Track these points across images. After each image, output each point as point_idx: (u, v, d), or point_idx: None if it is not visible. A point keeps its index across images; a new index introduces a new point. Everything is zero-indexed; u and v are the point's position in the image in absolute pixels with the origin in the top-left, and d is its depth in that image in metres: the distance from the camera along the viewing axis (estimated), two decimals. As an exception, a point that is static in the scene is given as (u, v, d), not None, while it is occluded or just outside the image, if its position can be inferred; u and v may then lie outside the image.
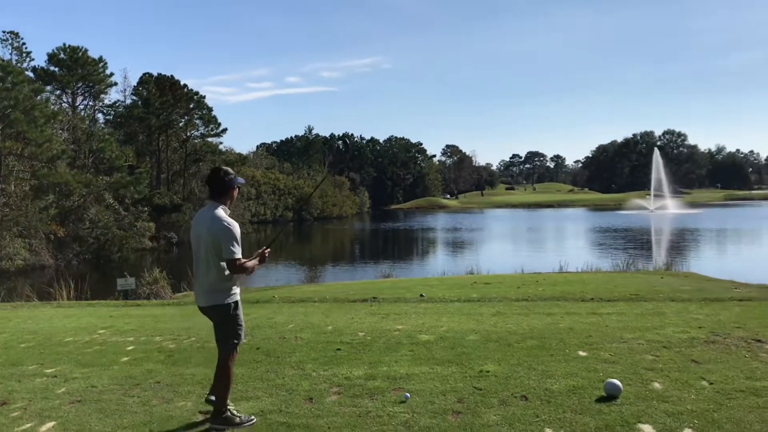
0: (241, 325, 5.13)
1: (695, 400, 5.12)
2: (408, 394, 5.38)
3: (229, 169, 5.13)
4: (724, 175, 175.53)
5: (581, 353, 6.70)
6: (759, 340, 7.10)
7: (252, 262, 5.01)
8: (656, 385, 5.54)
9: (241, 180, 5.17)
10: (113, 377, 6.40)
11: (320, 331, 8.23)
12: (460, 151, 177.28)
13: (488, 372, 6.05)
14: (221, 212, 4.99)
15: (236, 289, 5.10)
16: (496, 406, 5.13)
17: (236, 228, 4.94)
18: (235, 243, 4.88)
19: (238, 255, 4.89)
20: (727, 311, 9.21)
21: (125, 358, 7.26)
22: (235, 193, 5.16)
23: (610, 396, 5.22)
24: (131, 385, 6.11)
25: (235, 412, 5.04)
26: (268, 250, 5.19)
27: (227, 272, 4.93)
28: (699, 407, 4.97)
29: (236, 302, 5.10)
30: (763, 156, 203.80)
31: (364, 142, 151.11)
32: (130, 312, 11.48)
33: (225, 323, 5.07)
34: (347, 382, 5.87)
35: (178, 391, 5.85)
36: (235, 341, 5.09)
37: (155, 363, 6.96)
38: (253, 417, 5.05)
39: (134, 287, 18.21)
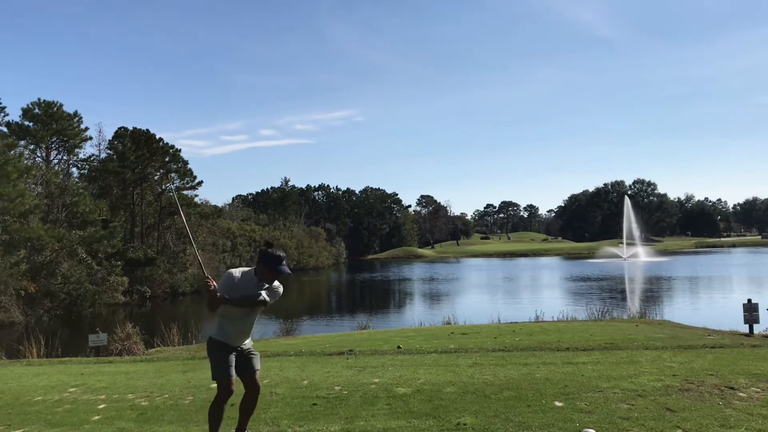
0: (215, 365, 5.49)
1: (671, 449, 5.14)
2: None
3: (274, 252, 5.44)
4: (693, 223, 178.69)
5: (557, 403, 6.70)
6: (732, 388, 7.17)
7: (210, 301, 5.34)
8: (632, 434, 5.55)
9: (285, 269, 5.44)
10: (84, 437, 6.25)
11: (296, 385, 8.14)
12: (435, 201, 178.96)
13: (465, 425, 6.01)
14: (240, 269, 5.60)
15: (219, 330, 5.52)
16: (474, 460, 5.10)
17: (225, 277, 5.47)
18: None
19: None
20: (700, 359, 9.30)
21: (96, 417, 7.10)
22: (263, 270, 5.43)
23: (587, 447, 5.23)
24: (102, 445, 5.97)
25: None
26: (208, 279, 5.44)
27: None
28: (674, 456, 4.99)
29: (213, 340, 5.52)
30: (730, 204, 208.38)
31: (340, 192, 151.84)
32: (102, 369, 11.26)
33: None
34: (323, 438, 5.80)
35: (151, 450, 5.73)
36: (214, 377, 5.51)
37: (127, 421, 6.81)
38: None
39: (106, 343, 17.90)
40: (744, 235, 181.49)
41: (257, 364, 5.72)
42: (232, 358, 5.52)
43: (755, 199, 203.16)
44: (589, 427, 5.53)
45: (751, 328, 17.77)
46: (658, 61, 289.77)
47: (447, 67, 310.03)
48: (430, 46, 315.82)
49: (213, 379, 5.56)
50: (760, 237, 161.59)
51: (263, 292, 5.44)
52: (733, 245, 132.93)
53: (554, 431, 5.69)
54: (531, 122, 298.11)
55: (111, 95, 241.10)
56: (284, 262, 5.42)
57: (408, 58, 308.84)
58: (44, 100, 54.97)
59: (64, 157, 60.47)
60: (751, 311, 17.96)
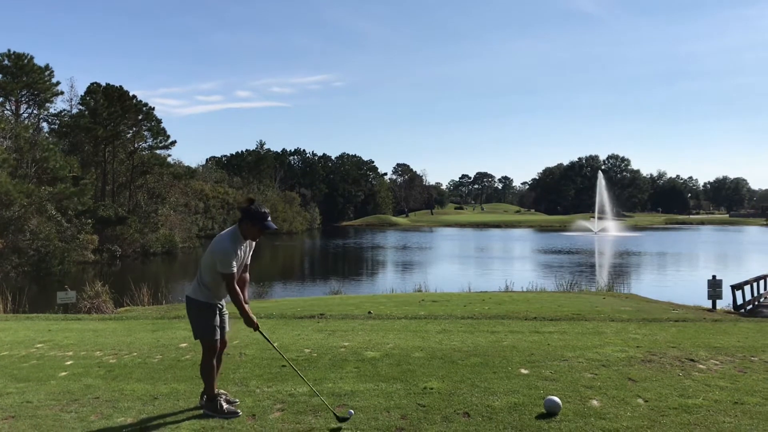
0: (205, 327, 5.56)
1: (631, 417, 5.27)
2: (352, 411, 5.39)
3: (259, 208, 5.48)
4: (664, 200, 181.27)
5: (523, 371, 6.82)
6: (692, 360, 7.35)
7: (245, 310, 5.51)
8: (594, 402, 5.68)
9: (271, 225, 5.52)
10: (50, 392, 6.22)
11: (265, 347, 8.16)
12: (411, 170, 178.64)
13: (432, 389, 6.10)
14: (226, 235, 5.52)
15: (205, 292, 5.55)
16: (439, 423, 5.18)
17: (226, 254, 5.35)
18: (227, 262, 5.33)
19: (232, 271, 5.37)
20: (663, 332, 9.51)
21: (63, 373, 7.07)
22: (250, 227, 5.46)
23: (550, 413, 5.33)
24: (69, 400, 5.95)
25: (224, 403, 5.48)
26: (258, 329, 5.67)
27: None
28: (634, 424, 5.11)
29: (199, 302, 5.55)
30: (701, 182, 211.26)
31: (316, 158, 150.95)
32: (70, 326, 11.17)
33: (192, 317, 5.61)
34: (291, 399, 5.85)
35: (118, 407, 5.73)
36: (204, 338, 5.57)
37: (95, 378, 6.79)
38: (238, 412, 5.44)
39: (75, 301, 17.73)
40: (713, 213, 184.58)
41: (228, 324, 5.86)
42: (218, 319, 5.63)
43: (725, 178, 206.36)
44: (552, 395, 5.64)
45: (714, 304, 18.20)
46: (636, 37, 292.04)
47: (427, 37, 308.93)
48: (410, 16, 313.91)
49: (198, 339, 5.61)
50: (728, 215, 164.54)
51: (248, 250, 5.64)
52: (702, 222, 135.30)
53: (519, 397, 5.80)
54: (508, 95, 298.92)
55: (83, 50, 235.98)
56: (269, 218, 5.48)
57: (388, 26, 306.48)
58: (14, 52, 53.53)
59: (35, 112, 59.23)
60: (714, 287, 18.36)
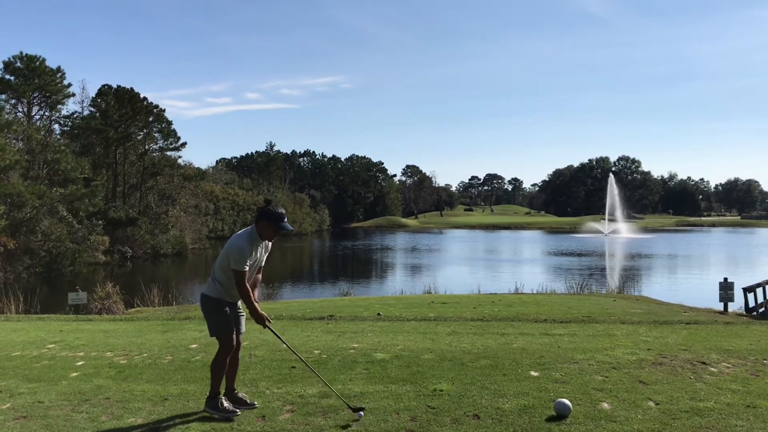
0: (219, 323, 5.58)
1: (642, 420, 5.24)
2: (362, 413, 5.39)
3: (275, 209, 5.53)
4: (675, 202, 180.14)
5: (533, 373, 6.79)
6: (704, 362, 7.31)
7: (255, 307, 5.51)
8: (605, 405, 5.65)
9: (288, 226, 5.57)
10: (61, 393, 6.25)
11: (275, 348, 8.18)
12: (421, 171, 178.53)
13: (442, 391, 6.09)
14: (243, 233, 5.55)
15: (219, 289, 5.56)
16: (449, 425, 5.17)
17: (240, 252, 5.36)
18: (242, 259, 5.36)
19: (244, 269, 5.38)
20: (674, 334, 9.45)
21: (74, 374, 7.10)
22: (266, 227, 5.49)
23: (560, 416, 5.31)
24: (80, 400, 5.97)
25: (224, 402, 5.51)
26: (268, 322, 5.67)
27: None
28: (645, 427, 5.08)
29: (213, 299, 5.57)
30: (712, 184, 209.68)
31: (326, 159, 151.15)
32: (81, 327, 11.23)
33: (206, 314, 5.64)
34: (301, 400, 5.85)
35: (128, 407, 5.75)
36: (218, 334, 5.59)
37: (105, 379, 6.83)
38: (237, 411, 5.48)
39: (86, 302, 17.83)
40: (724, 215, 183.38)
41: (243, 325, 5.86)
42: (231, 316, 5.66)
43: (737, 180, 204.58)
44: (562, 397, 5.62)
45: (725, 306, 18.08)
46: (646, 39, 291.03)
47: (435, 38, 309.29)
48: (418, 16, 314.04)
49: (213, 336, 5.63)
50: (739, 217, 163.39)
51: (263, 251, 5.66)
52: (713, 225, 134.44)
53: (529, 400, 5.78)
54: (517, 96, 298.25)
55: (93, 52, 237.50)
56: (286, 219, 5.50)
57: (396, 26, 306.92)
58: (26, 54, 53.68)
59: (46, 113, 59.40)
60: (726, 290, 18.24)
